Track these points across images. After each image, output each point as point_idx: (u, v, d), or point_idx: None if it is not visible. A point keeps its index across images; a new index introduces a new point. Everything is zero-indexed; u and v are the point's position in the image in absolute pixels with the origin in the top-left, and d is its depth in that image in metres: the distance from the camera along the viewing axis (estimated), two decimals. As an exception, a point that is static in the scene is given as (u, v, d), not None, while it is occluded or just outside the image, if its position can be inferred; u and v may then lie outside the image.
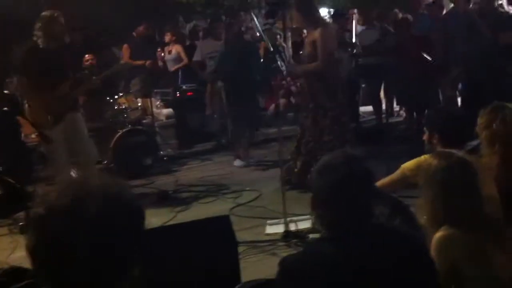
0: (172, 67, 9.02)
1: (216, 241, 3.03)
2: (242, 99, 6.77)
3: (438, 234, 2.24)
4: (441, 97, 7.92)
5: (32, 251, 1.28)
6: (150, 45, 8.96)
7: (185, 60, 8.71)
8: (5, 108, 6.03)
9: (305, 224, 4.43)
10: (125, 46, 9.44)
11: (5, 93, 6.68)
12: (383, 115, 8.30)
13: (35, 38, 5.22)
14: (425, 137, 3.22)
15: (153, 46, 8.99)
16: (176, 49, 9.08)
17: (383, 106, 8.41)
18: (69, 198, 1.27)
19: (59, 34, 5.26)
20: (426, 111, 7.62)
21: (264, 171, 6.57)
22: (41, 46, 5.21)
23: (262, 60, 8.60)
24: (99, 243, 1.25)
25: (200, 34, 9.80)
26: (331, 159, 1.90)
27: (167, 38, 9.38)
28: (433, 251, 2.17)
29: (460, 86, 7.77)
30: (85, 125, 5.70)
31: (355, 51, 7.39)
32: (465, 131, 3.15)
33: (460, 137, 3.05)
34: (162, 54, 9.18)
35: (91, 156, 5.68)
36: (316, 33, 5.38)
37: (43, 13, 5.30)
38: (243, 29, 9.75)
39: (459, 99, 7.89)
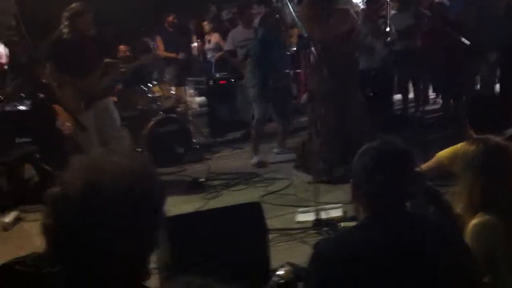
0: (212, 56, 9.06)
1: (247, 228, 3.03)
2: (273, 84, 6.60)
3: (474, 221, 2.20)
4: (479, 83, 7.75)
5: (46, 231, 1.28)
6: (182, 35, 8.98)
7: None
8: (42, 95, 6.12)
9: (336, 212, 4.40)
10: (158, 37, 9.52)
11: (42, 81, 6.79)
12: (412, 104, 8.16)
13: (61, 28, 5.30)
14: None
15: (186, 36, 9.01)
16: (214, 38, 9.10)
17: (410, 95, 8.25)
18: (82, 180, 1.25)
19: (84, 28, 5.32)
20: (463, 97, 7.53)
21: (296, 159, 6.52)
22: (65, 37, 5.28)
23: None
24: (112, 226, 1.23)
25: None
26: (372, 147, 1.87)
27: (206, 27, 9.42)
28: (469, 238, 2.13)
29: (498, 71, 7.57)
30: (119, 113, 5.77)
31: (389, 39, 7.24)
32: (500, 117, 3.07)
33: (495, 123, 2.96)
34: (204, 45, 9.20)
35: (123, 143, 5.74)
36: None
37: (72, 5, 5.37)
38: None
39: (497, 85, 7.69)
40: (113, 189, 1.24)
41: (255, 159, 6.57)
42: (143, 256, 1.33)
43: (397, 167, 1.81)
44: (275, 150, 6.78)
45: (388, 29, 7.49)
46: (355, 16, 6.22)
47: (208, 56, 9.44)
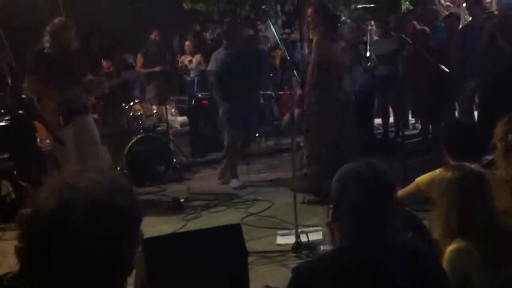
0: (194, 76, 9.10)
1: (226, 250, 3.01)
2: (242, 111, 6.49)
3: (451, 247, 2.22)
4: (457, 110, 7.86)
5: (18, 253, 1.26)
6: (165, 52, 9.02)
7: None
8: (21, 112, 6.07)
9: (316, 235, 4.40)
10: (139, 55, 9.56)
11: (22, 98, 6.73)
12: (392, 128, 8.24)
13: (43, 42, 5.29)
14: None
15: (168, 53, 9.05)
16: (196, 58, 9.15)
17: (391, 119, 8.34)
18: (55, 201, 1.23)
19: (66, 42, 5.31)
20: (441, 123, 7.62)
21: (276, 181, 6.53)
22: (45, 51, 5.27)
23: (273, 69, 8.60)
24: (86, 246, 1.21)
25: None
26: (354, 169, 1.86)
27: (187, 47, 9.46)
28: (445, 264, 2.15)
29: (477, 99, 7.69)
30: (99, 130, 5.73)
31: (369, 64, 7.33)
32: (477, 145, 3.10)
33: (472, 151, 2.99)
34: (179, 63, 9.26)
35: (101, 160, 5.70)
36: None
37: (55, 20, 5.37)
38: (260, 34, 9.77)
39: (476, 112, 7.81)
40: (86, 209, 1.22)
41: (234, 183, 6.51)
42: (120, 276, 1.31)
43: (379, 192, 1.80)
44: (219, 180, 6.73)
45: (368, 54, 7.61)
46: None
47: (190, 76, 9.46)
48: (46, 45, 5.28)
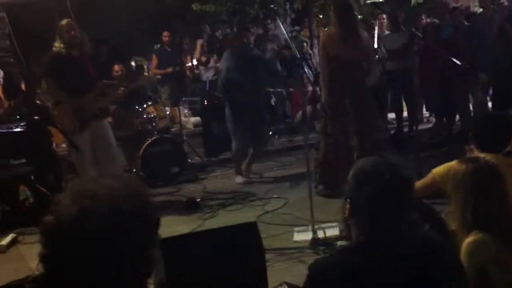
0: (210, 76, 9.13)
1: (243, 248, 3.02)
2: (248, 114, 6.51)
3: (468, 239, 2.22)
4: (471, 103, 7.82)
5: (42, 259, 1.29)
6: (177, 53, 9.07)
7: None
8: (36, 117, 6.13)
9: (333, 231, 4.39)
10: (153, 56, 9.62)
11: (37, 103, 6.81)
12: (406, 123, 8.20)
13: (55, 45, 5.35)
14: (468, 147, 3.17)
15: (180, 54, 9.09)
16: (214, 59, 9.19)
17: (405, 113, 8.31)
18: (76, 208, 1.26)
19: (71, 42, 5.34)
20: (456, 116, 7.58)
21: (291, 178, 6.54)
22: (60, 54, 5.32)
23: (278, 69, 8.57)
24: (107, 250, 1.24)
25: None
26: (371, 165, 1.86)
27: (199, 48, 9.51)
28: (463, 256, 2.15)
29: (490, 90, 7.65)
30: (114, 134, 5.78)
31: (377, 56, 7.28)
32: (502, 135, 3.09)
33: (498, 142, 2.98)
34: (190, 63, 9.29)
35: (118, 164, 5.74)
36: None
37: (61, 21, 5.43)
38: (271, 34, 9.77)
39: (489, 104, 7.77)
40: (105, 216, 1.26)
41: (239, 180, 6.62)
42: (141, 277, 1.34)
43: (396, 187, 1.80)
44: (238, 179, 6.74)
45: (376, 46, 7.57)
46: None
47: (205, 76, 9.51)
48: (57, 45, 5.33)
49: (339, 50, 5.50)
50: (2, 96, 6.39)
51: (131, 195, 1.32)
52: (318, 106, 8.79)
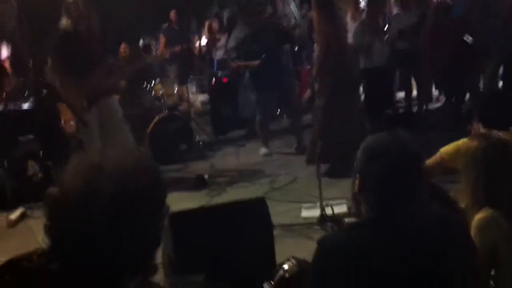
0: (220, 55, 9.09)
1: (251, 223, 3.02)
2: (272, 86, 6.56)
3: (479, 215, 2.20)
4: (482, 82, 7.74)
5: (48, 232, 1.28)
6: (184, 32, 9.03)
7: None
8: (44, 94, 6.14)
9: (341, 208, 4.40)
10: (161, 35, 9.59)
11: (44, 80, 6.80)
12: (415, 102, 8.15)
13: (64, 22, 5.31)
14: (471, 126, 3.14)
15: (187, 33, 9.06)
16: (224, 37, 9.15)
17: (414, 92, 8.24)
18: (81, 181, 1.24)
19: (78, 18, 5.31)
20: (466, 95, 7.51)
21: (298, 156, 6.53)
22: (67, 32, 5.29)
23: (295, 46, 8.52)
24: (113, 223, 1.22)
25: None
26: (381, 140, 1.84)
27: (213, 26, 9.48)
28: (473, 233, 2.13)
29: (501, 70, 7.56)
30: (122, 111, 5.77)
31: (386, 36, 7.21)
32: (508, 113, 3.06)
33: (503, 120, 2.95)
34: (197, 43, 9.25)
35: (126, 142, 5.74)
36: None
37: None
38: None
39: (500, 83, 7.68)
40: (112, 187, 1.23)
41: (263, 151, 6.73)
42: (148, 251, 1.33)
43: (406, 162, 1.78)
44: (295, 145, 6.84)
45: (386, 27, 7.49)
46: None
47: (214, 54, 9.47)
48: (63, 22, 5.30)
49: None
50: (9, 72, 6.39)
51: (137, 167, 1.30)
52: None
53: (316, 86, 5.72)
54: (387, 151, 1.78)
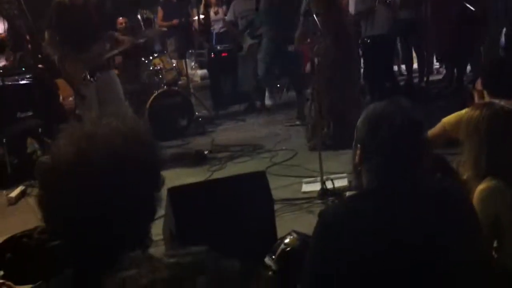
0: (218, 28, 9.00)
1: (252, 197, 3.01)
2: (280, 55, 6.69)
3: (481, 186, 2.18)
4: (482, 51, 7.66)
5: (40, 204, 1.24)
6: (183, 5, 8.91)
7: None
8: (42, 70, 6.08)
9: (341, 182, 4.39)
10: (159, 8, 9.47)
11: (42, 56, 6.74)
12: (416, 74, 8.08)
13: None
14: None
15: (186, 6, 8.94)
16: (222, 10, 9.04)
17: (415, 65, 8.17)
18: (73, 149, 1.20)
19: None
20: (467, 66, 7.44)
21: (299, 130, 6.50)
22: (66, 3, 5.22)
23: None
24: (106, 193, 1.19)
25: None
26: (383, 108, 1.80)
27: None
28: (475, 203, 2.11)
29: (502, 41, 7.48)
30: (121, 86, 5.72)
31: (389, 0, 7.08)
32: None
33: (508, 87, 2.92)
34: (196, 17, 9.14)
35: (125, 115, 5.69)
36: None
37: None
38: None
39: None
40: (104, 156, 1.20)
41: (269, 101, 7.02)
42: (143, 222, 1.30)
43: (409, 129, 1.75)
44: (297, 122, 6.79)
45: None
46: None
47: (212, 28, 9.36)
48: None
49: None
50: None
51: (132, 135, 1.26)
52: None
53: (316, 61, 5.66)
54: (390, 118, 1.75)
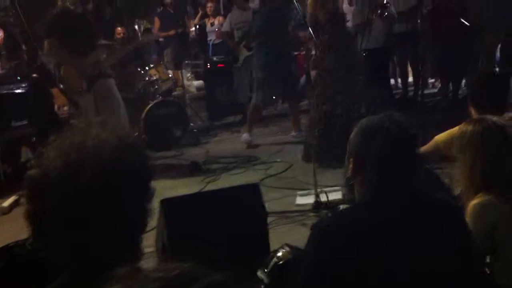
0: (214, 38, 9.02)
1: (245, 209, 3.00)
2: (276, 66, 6.52)
3: (475, 201, 2.18)
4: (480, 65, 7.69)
5: (27, 215, 1.23)
6: (179, 15, 8.95)
7: None
8: (37, 79, 6.07)
9: (335, 195, 4.37)
10: (156, 18, 9.51)
11: (38, 65, 6.74)
12: (411, 88, 8.10)
13: (60, 3, 5.26)
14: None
15: (182, 17, 8.97)
16: (219, 20, 9.07)
17: (410, 78, 8.19)
18: (62, 161, 1.18)
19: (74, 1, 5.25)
20: (462, 80, 7.46)
21: (294, 143, 6.50)
22: (67, 11, 5.24)
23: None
24: (96, 205, 1.17)
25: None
26: (377, 121, 1.81)
27: (208, 9, 9.40)
28: (469, 218, 2.11)
29: (497, 56, 7.52)
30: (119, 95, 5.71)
31: (386, 14, 7.11)
32: (500, 96, 3.04)
33: (495, 103, 2.93)
34: (195, 26, 9.17)
35: (117, 125, 5.68)
36: None
37: None
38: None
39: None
40: (93, 168, 1.18)
41: (245, 137, 6.58)
42: (133, 233, 1.28)
43: (402, 142, 1.76)
44: (293, 133, 6.76)
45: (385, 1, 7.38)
46: None
47: (208, 38, 9.39)
48: (60, 3, 5.24)
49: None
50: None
51: (122, 146, 1.24)
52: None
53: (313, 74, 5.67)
54: (384, 129, 1.76)
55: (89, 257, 1.21)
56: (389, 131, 1.75)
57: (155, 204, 1.35)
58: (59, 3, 5.27)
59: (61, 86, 5.28)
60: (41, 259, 2.66)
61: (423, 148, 3.20)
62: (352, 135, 1.86)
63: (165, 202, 2.88)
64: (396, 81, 9.03)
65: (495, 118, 2.36)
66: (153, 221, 1.39)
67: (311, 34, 6.21)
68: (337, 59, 5.55)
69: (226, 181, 5.28)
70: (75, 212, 1.18)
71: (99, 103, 5.35)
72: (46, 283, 1.30)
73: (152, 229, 3.00)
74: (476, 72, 7.49)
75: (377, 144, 1.75)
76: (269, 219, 3.50)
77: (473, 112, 3.01)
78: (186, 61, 9.22)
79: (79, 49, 5.23)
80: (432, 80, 9.27)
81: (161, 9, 9.72)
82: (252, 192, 3.09)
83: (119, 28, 7.71)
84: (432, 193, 1.86)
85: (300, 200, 4.51)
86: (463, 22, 6.09)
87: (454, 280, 1.69)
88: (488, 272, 2.18)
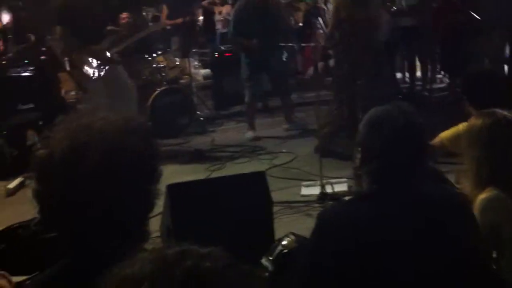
0: (221, 28, 8.99)
1: (251, 197, 3.00)
2: (264, 64, 6.46)
3: (482, 195, 2.16)
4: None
5: (35, 194, 1.23)
6: (187, 3, 8.91)
7: None
8: (44, 62, 6.08)
9: (341, 186, 4.38)
10: (164, 6, 9.47)
11: (44, 49, 6.73)
12: (420, 82, 8.06)
13: None
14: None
15: (190, 5, 8.93)
16: (226, 9, 9.02)
17: (418, 73, 8.15)
18: (69, 141, 1.19)
19: None
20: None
21: (300, 134, 6.48)
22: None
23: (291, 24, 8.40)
24: (101, 186, 1.18)
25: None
26: (385, 111, 1.80)
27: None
28: (476, 213, 2.09)
29: (507, 54, 7.46)
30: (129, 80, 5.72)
31: (393, 8, 7.04)
32: (496, 91, 3.02)
33: (491, 98, 2.90)
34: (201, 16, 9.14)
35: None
36: None
37: None
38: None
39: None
40: (100, 149, 1.19)
41: (249, 135, 6.56)
42: (140, 216, 1.29)
43: (410, 132, 1.75)
44: (284, 125, 6.73)
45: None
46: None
47: (216, 27, 9.36)
48: None
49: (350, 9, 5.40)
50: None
51: (128, 128, 1.25)
52: (330, 62, 8.66)
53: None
54: (391, 120, 1.75)
55: (94, 236, 1.21)
56: (396, 121, 1.74)
57: (161, 188, 1.35)
58: None
59: (69, 70, 5.26)
60: (44, 240, 2.67)
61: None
62: (360, 125, 1.85)
63: (171, 188, 2.88)
64: (403, 75, 8.98)
65: (505, 112, 2.33)
66: (158, 207, 1.39)
67: (321, 25, 6.17)
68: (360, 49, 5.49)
69: (231, 170, 5.27)
70: (81, 191, 1.18)
71: (108, 89, 5.35)
72: (49, 264, 1.30)
73: (158, 214, 3.00)
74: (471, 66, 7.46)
75: (384, 134, 1.74)
76: (274, 209, 3.50)
77: (472, 111, 2.98)
78: (194, 50, 9.18)
79: (90, 37, 5.23)
80: (441, 76, 9.22)
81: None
82: (258, 180, 3.09)
83: (123, 14, 7.67)
84: (436, 189, 1.85)
85: (305, 191, 4.52)
86: (473, 18, 6.03)
87: (460, 281, 1.68)
88: (495, 267, 2.17)
